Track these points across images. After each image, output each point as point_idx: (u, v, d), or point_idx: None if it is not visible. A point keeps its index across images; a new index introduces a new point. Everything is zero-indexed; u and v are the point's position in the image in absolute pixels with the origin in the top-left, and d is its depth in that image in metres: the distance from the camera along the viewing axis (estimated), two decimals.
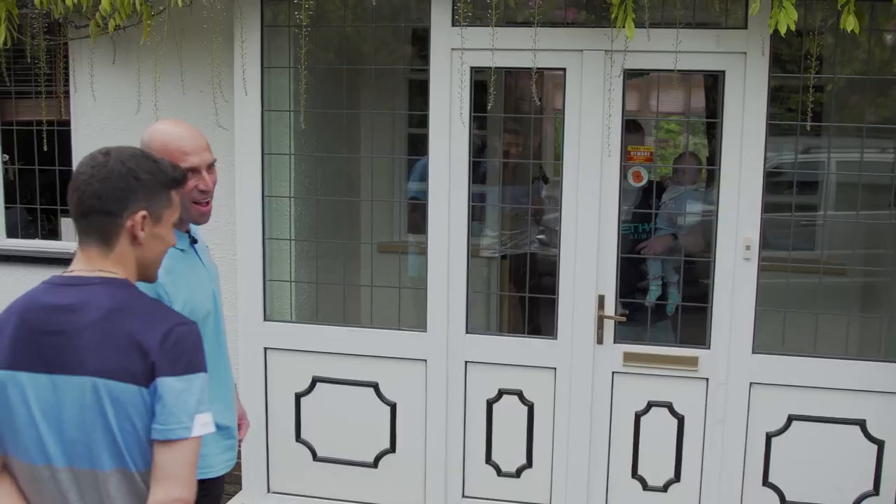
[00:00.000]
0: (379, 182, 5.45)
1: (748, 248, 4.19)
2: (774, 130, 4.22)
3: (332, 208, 5.21)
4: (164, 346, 1.96)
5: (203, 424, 1.99)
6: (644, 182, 4.71)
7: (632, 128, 4.56)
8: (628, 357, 4.40)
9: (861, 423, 4.25)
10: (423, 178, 4.54)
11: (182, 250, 2.73)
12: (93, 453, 2.01)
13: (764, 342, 4.29)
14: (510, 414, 4.51)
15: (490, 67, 4.22)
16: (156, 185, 2.07)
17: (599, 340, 4.40)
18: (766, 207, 4.19)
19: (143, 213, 2.05)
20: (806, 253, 4.83)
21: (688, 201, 4.89)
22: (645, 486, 4.51)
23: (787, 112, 4.60)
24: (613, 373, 4.43)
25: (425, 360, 4.51)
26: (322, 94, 4.96)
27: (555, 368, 4.43)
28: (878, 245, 4.89)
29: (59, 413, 1.99)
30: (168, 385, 1.95)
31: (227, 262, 4.82)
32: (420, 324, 4.52)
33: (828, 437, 4.28)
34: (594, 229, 4.29)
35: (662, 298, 4.90)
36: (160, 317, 2.03)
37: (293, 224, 4.82)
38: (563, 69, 4.30)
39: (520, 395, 4.49)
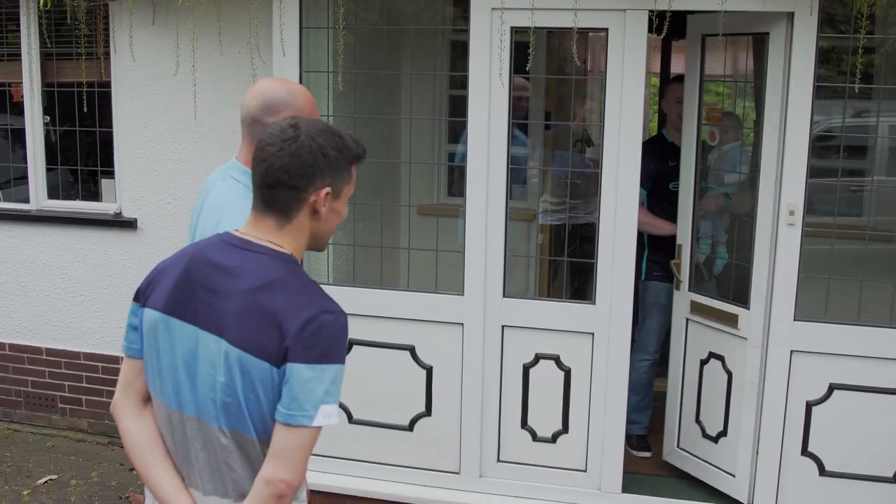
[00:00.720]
0: (419, 144, 5.42)
1: (792, 213, 4.11)
2: (823, 93, 4.13)
3: (372, 170, 5.18)
4: (303, 333, 1.97)
5: (326, 415, 1.99)
6: (717, 141, 4.71)
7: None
8: (693, 306, 4.62)
9: None
10: None
11: None
12: (217, 410, 2.06)
13: (807, 309, 4.22)
14: (547, 379, 4.48)
15: (530, 27, 4.16)
16: (341, 162, 2.09)
17: (677, 287, 4.76)
18: (813, 172, 4.11)
19: (327, 189, 2.08)
20: (853, 219, 4.72)
21: (733, 159, 4.81)
22: (704, 433, 4.65)
23: (837, 74, 4.48)
24: (687, 319, 4.66)
25: (462, 324, 4.49)
26: (363, 55, 4.93)
27: (592, 334, 4.39)
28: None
29: (195, 365, 2.07)
30: (297, 371, 1.96)
31: None
32: (458, 287, 4.49)
33: (870, 408, 4.20)
34: (634, 194, 4.24)
35: (712, 256, 4.92)
36: (310, 300, 2.03)
37: None
38: (606, 29, 4.22)
39: (556, 360, 4.46)
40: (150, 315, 2.13)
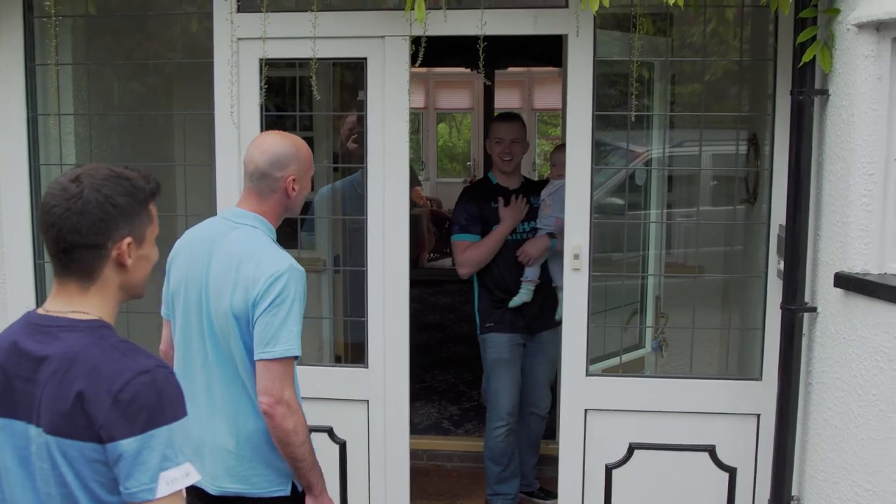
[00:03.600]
0: (202, 192, 4.80)
1: (576, 257, 3.71)
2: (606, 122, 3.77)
3: None
4: (117, 406, 1.80)
5: (170, 482, 1.82)
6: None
7: None
8: None
9: (710, 450, 3.78)
10: None
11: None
12: None
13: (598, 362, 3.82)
14: (320, 454, 3.89)
15: (277, 59, 3.73)
16: (136, 206, 1.95)
17: None
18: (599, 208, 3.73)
19: (128, 240, 1.93)
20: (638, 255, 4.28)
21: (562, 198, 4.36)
22: None
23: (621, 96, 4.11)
24: None
25: None
26: (124, 93, 4.42)
27: (367, 401, 3.88)
28: (725, 243, 4.39)
29: (29, 461, 1.90)
30: (124, 447, 1.80)
31: None
32: None
33: (674, 467, 3.81)
34: (403, 238, 3.78)
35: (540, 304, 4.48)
36: (117, 368, 1.84)
37: None
38: (364, 59, 3.78)
39: (330, 432, 3.93)
40: None
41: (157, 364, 1.87)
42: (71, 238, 1.88)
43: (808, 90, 3.28)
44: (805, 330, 3.41)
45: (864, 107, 3.03)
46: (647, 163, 4.11)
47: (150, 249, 2.02)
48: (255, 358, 2.63)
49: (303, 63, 3.83)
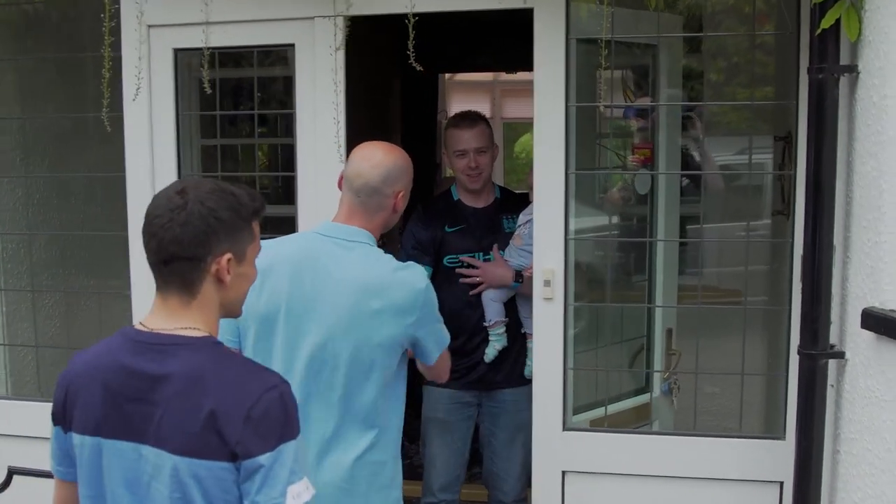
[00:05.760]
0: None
1: (547, 283, 3.01)
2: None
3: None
4: (249, 423, 1.80)
5: (295, 496, 1.84)
6: None
7: None
8: None
9: None
10: None
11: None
12: None
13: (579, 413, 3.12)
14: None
15: (201, 48, 3.16)
16: (239, 222, 1.93)
17: None
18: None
19: (228, 255, 1.92)
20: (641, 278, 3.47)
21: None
22: None
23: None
24: None
25: None
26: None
27: None
28: (745, 262, 3.52)
29: (139, 483, 1.89)
30: (258, 463, 1.81)
31: None
32: None
33: None
34: None
35: (516, 357, 3.52)
36: (244, 386, 1.86)
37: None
38: (291, 45, 3.18)
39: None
40: (79, 440, 1.92)
41: (281, 379, 1.89)
42: (172, 248, 1.87)
43: (830, 66, 2.53)
44: (833, 381, 2.64)
45: None
46: (649, 167, 3.33)
47: (249, 268, 1.99)
48: (429, 362, 2.65)
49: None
